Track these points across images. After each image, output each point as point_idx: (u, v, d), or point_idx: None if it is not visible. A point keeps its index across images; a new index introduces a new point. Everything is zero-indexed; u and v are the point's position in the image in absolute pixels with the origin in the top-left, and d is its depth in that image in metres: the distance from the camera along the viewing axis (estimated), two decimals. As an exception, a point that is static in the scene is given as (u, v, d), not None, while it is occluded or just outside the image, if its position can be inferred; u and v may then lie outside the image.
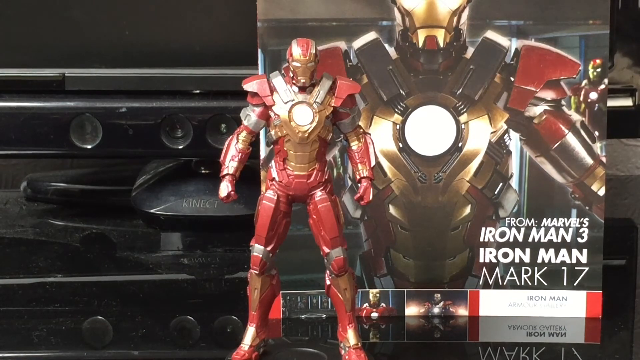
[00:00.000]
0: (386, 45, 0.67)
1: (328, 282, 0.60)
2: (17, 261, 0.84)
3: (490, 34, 0.67)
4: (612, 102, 0.71)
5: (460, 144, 0.68)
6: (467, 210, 0.69)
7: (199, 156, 0.88)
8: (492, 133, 0.68)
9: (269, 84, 0.58)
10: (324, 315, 0.70)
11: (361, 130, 0.59)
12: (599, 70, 0.68)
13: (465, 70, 0.68)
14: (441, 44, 0.67)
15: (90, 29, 0.83)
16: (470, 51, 0.67)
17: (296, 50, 0.56)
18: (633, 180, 1.07)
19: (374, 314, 0.70)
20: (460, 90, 0.68)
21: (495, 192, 0.69)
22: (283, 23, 0.67)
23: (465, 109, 0.68)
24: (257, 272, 0.60)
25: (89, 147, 0.82)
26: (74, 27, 0.83)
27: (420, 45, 0.67)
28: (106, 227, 0.90)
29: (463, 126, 0.68)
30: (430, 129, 0.68)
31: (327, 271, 0.60)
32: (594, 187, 0.69)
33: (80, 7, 0.82)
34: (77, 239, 0.88)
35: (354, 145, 0.59)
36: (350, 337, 0.60)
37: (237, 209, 0.86)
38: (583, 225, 0.69)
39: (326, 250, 0.59)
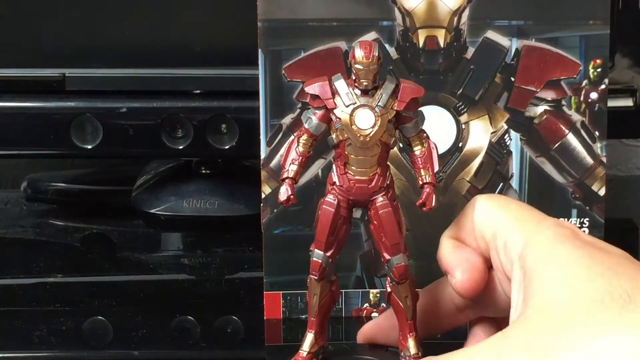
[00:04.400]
0: (386, 46, 0.67)
1: (389, 290, 0.59)
2: (17, 261, 0.84)
3: (491, 34, 0.67)
4: (612, 102, 0.71)
5: (460, 144, 0.68)
6: (468, 210, 0.69)
7: (200, 156, 0.88)
8: (492, 133, 0.69)
9: (331, 87, 0.56)
10: (324, 316, 0.70)
11: (425, 134, 0.57)
12: (599, 70, 0.68)
13: (466, 71, 0.68)
14: (441, 44, 0.67)
15: (90, 29, 0.83)
16: (470, 51, 0.67)
17: (359, 53, 0.55)
18: (633, 180, 1.07)
19: (375, 314, 0.70)
20: (460, 91, 0.68)
21: (496, 192, 0.69)
22: (283, 23, 0.67)
23: (465, 109, 0.68)
24: (316, 277, 0.59)
25: (89, 147, 0.82)
26: (74, 27, 0.83)
27: (420, 46, 0.67)
28: (106, 227, 0.90)
29: (463, 126, 0.68)
30: (430, 129, 0.68)
31: (388, 278, 0.59)
32: (595, 187, 0.69)
33: (80, 7, 0.82)
34: (77, 239, 0.88)
35: (417, 150, 0.57)
36: (411, 346, 0.58)
37: (237, 209, 0.86)
38: (583, 225, 0.69)
39: (387, 257, 0.57)
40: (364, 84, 0.55)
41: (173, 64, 0.83)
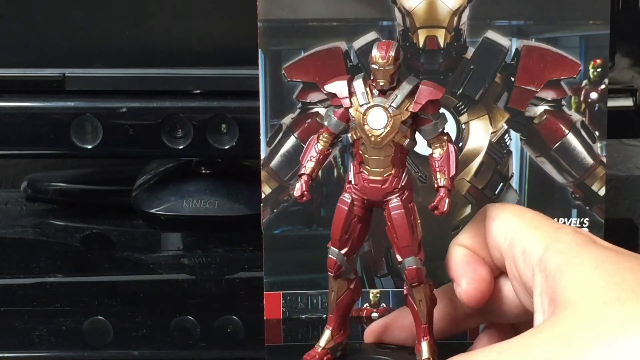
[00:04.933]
0: (386, 45, 0.67)
1: (405, 292, 0.58)
2: (17, 261, 0.84)
3: (491, 34, 0.67)
4: (612, 102, 0.71)
5: (460, 144, 0.68)
6: (468, 210, 0.69)
7: (200, 156, 0.88)
8: (492, 133, 0.69)
9: (349, 86, 0.56)
10: (325, 316, 0.70)
11: (445, 137, 0.56)
12: (599, 70, 0.68)
13: (466, 71, 0.68)
14: (442, 44, 0.67)
15: (90, 29, 0.83)
16: (470, 51, 0.67)
17: (375, 53, 0.55)
18: (633, 180, 1.07)
19: (375, 314, 0.70)
20: (460, 90, 0.68)
21: (496, 192, 0.69)
22: (283, 23, 0.66)
23: (465, 109, 0.68)
24: (331, 274, 0.59)
25: (89, 147, 0.82)
26: (74, 27, 0.83)
27: (420, 46, 0.67)
28: (106, 227, 0.90)
29: (463, 126, 0.68)
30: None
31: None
32: (595, 187, 0.69)
33: (80, 7, 0.82)
34: (77, 239, 0.88)
35: (436, 152, 0.56)
36: (424, 350, 0.57)
37: (237, 209, 0.86)
38: (583, 225, 0.69)
39: (399, 259, 0.57)
40: (380, 84, 0.55)
41: (173, 64, 0.83)
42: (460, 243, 0.58)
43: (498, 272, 0.57)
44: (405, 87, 0.55)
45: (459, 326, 0.60)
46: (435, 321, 0.58)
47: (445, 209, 0.56)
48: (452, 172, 0.56)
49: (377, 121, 0.55)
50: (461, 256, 0.57)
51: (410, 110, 0.55)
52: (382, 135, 0.55)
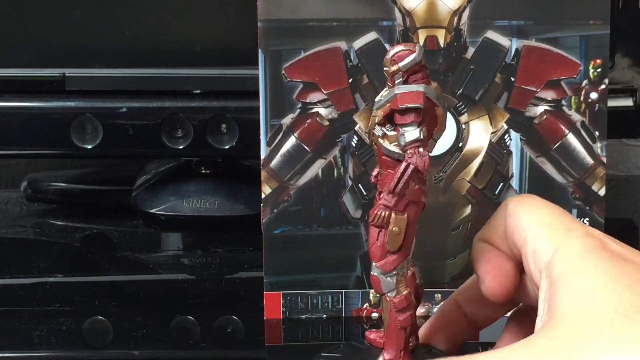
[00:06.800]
0: (387, 46, 0.67)
1: None
2: (17, 261, 0.84)
3: (491, 34, 0.67)
4: (612, 102, 0.71)
5: (460, 144, 0.68)
6: (468, 210, 0.69)
7: (200, 156, 0.88)
8: (492, 133, 0.69)
9: None
10: (325, 316, 0.70)
11: (408, 152, 0.52)
12: (599, 70, 0.68)
13: (466, 71, 0.68)
14: (442, 44, 0.67)
15: (90, 29, 0.83)
16: (470, 51, 0.67)
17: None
18: (633, 180, 1.07)
19: (375, 314, 0.70)
20: (460, 91, 0.68)
21: (496, 192, 0.69)
22: (283, 23, 0.67)
23: (465, 109, 0.68)
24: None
25: (89, 147, 0.82)
26: (74, 27, 0.83)
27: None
28: (106, 227, 0.90)
29: (463, 126, 0.68)
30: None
31: None
32: (595, 187, 0.69)
33: (80, 7, 0.82)
34: (77, 239, 0.88)
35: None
36: None
37: (237, 209, 0.86)
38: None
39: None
40: (387, 84, 0.54)
41: (173, 64, 0.83)
42: (482, 238, 0.57)
43: (520, 266, 0.56)
44: (391, 91, 0.54)
45: (493, 315, 0.59)
46: (472, 309, 0.58)
47: (370, 220, 0.54)
48: (390, 188, 0.53)
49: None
50: (484, 252, 0.56)
51: (380, 114, 0.53)
52: (368, 135, 0.55)
